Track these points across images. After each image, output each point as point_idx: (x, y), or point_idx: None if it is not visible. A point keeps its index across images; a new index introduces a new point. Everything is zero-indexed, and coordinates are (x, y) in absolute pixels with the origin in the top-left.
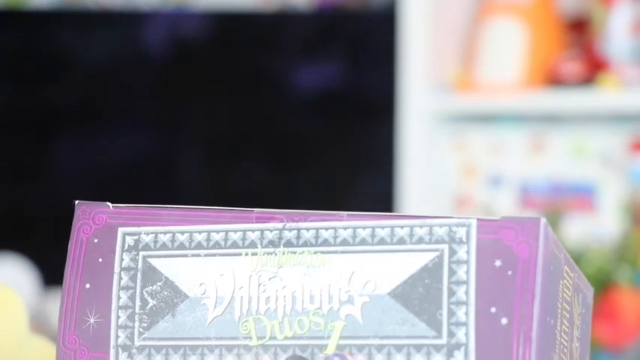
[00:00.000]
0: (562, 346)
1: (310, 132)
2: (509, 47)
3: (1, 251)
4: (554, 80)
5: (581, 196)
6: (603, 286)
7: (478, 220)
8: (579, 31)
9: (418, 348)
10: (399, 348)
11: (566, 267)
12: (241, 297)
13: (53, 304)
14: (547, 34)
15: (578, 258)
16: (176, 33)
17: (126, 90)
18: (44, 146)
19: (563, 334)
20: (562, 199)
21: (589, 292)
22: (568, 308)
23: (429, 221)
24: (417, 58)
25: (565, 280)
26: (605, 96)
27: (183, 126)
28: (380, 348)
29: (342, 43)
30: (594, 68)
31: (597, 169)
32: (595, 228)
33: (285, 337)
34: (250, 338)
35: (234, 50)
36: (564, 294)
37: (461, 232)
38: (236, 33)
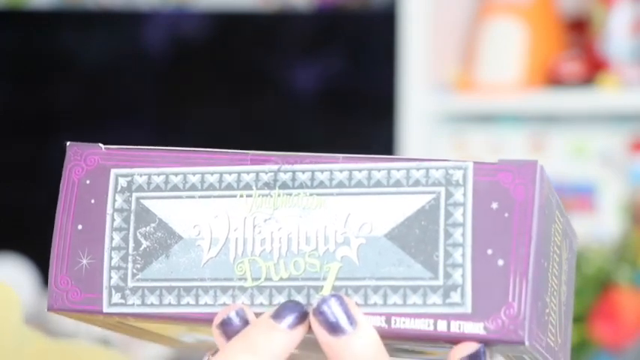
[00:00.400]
0: (552, 289)
1: (310, 132)
2: (509, 47)
3: (1, 251)
4: (554, 80)
5: (581, 196)
6: (603, 286)
7: (475, 163)
8: (579, 31)
9: (414, 289)
10: (395, 289)
11: (557, 212)
12: (236, 238)
13: None
14: (547, 34)
15: (578, 258)
16: (176, 33)
17: (126, 90)
18: (44, 146)
19: (554, 277)
20: (562, 199)
21: (575, 238)
22: (558, 252)
23: (425, 164)
24: (417, 58)
25: (556, 225)
26: (605, 96)
27: (183, 126)
28: (376, 289)
29: (342, 43)
30: (594, 68)
31: (597, 169)
32: (595, 228)
33: (281, 279)
34: (245, 279)
35: (234, 50)
36: (555, 238)
37: (457, 175)
38: (236, 33)
